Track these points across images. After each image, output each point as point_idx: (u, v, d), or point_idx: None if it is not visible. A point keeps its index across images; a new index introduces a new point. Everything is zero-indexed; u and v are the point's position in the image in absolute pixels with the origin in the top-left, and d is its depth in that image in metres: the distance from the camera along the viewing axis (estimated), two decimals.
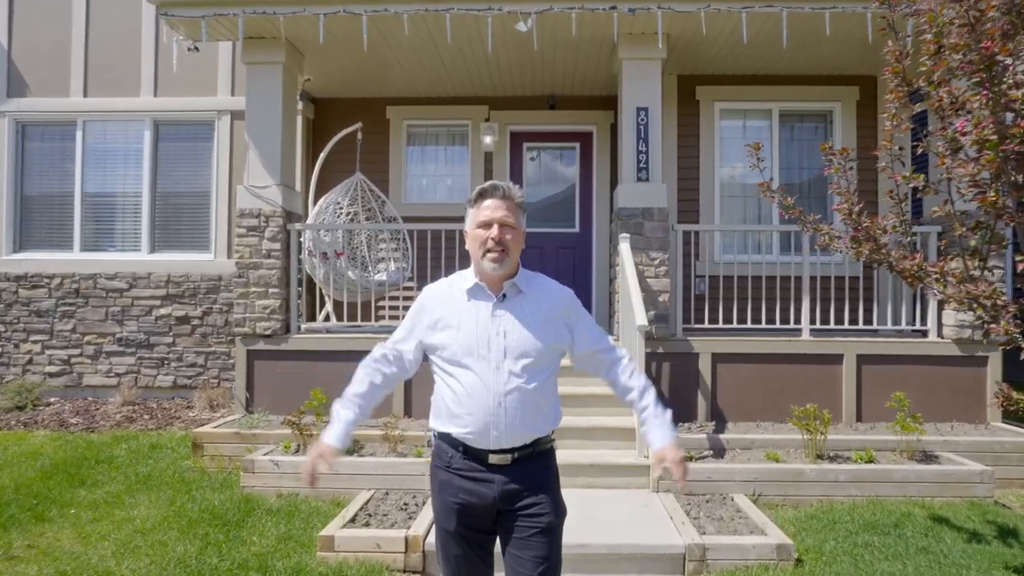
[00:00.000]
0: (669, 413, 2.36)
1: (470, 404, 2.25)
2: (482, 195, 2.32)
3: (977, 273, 3.28)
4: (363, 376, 2.47)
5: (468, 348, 2.27)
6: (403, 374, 2.51)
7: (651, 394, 2.39)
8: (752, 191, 8.19)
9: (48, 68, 8.63)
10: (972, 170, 2.88)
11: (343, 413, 2.43)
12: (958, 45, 2.88)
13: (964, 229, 3.18)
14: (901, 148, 3.51)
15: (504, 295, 2.33)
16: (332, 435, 2.38)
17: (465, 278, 2.38)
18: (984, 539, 4.38)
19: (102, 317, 8.42)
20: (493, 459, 2.28)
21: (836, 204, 3.46)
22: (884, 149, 3.45)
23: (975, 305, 2.98)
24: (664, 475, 2.43)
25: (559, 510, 2.36)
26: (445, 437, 2.34)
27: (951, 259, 3.84)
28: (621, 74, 6.80)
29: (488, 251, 2.27)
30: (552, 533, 2.31)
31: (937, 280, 3.13)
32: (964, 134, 2.90)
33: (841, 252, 3.80)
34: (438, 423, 2.36)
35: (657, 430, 2.34)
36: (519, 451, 2.29)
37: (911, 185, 3.28)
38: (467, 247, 2.36)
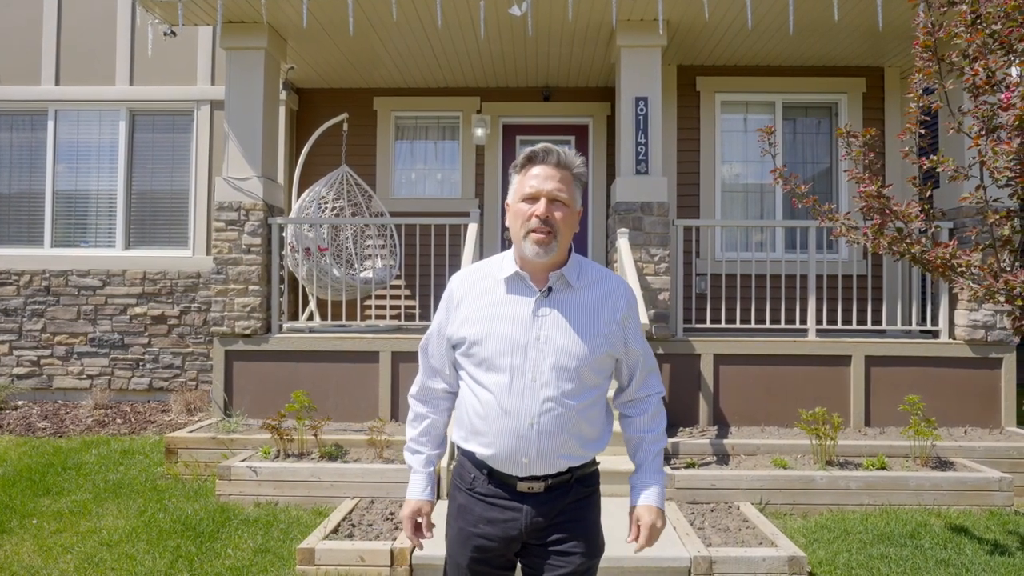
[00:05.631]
0: (664, 475, 2.08)
1: (496, 422, 1.89)
2: (531, 160, 1.92)
3: (1007, 265, 3.09)
4: (416, 408, 2.15)
5: (500, 352, 1.89)
6: (452, 388, 2.13)
7: (663, 443, 2.07)
8: (754, 187, 8.03)
9: (17, 54, 8.35)
10: (1016, 147, 2.67)
11: (412, 460, 2.11)
12: (1007, 4, 2.67)
13: (997, 217, 2.98)
14: (923, 133, 3.32)
15: (550, 288, 1.95)
16: (412, 488, 2.08)
17: (503, 264, 1.99)
18: (1007, 551, 4.19)
19: (74, 316, 8.15)
20: (522, 487, 1.92)
21: (861, 187, 3.26)
22: (908, 132, 3.25)
23: (1016, 299, 2.78)
24: (632, 539, 2.02)
25: (596, 548, 2.00)
26: (468, 455, 2.00)
27: (972, 252, 3.64)
28: (619, 63, 6.62)
29: (531, 231, 1.87)
30: None
31: (965, 274, 2.93)
32: (1007, 108, 2.70)
33: (857, 244, 3.60)
34: (461, 437, 2.01)
35: (653, 484, 2.01)
36: (554, 478, 1.93)
37: (939, 170, 3.09)
38: (507, 223, 1.97)
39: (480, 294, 1.98)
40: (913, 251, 3.33)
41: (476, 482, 1.97)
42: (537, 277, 1.95)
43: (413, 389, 2.16)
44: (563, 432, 1.89)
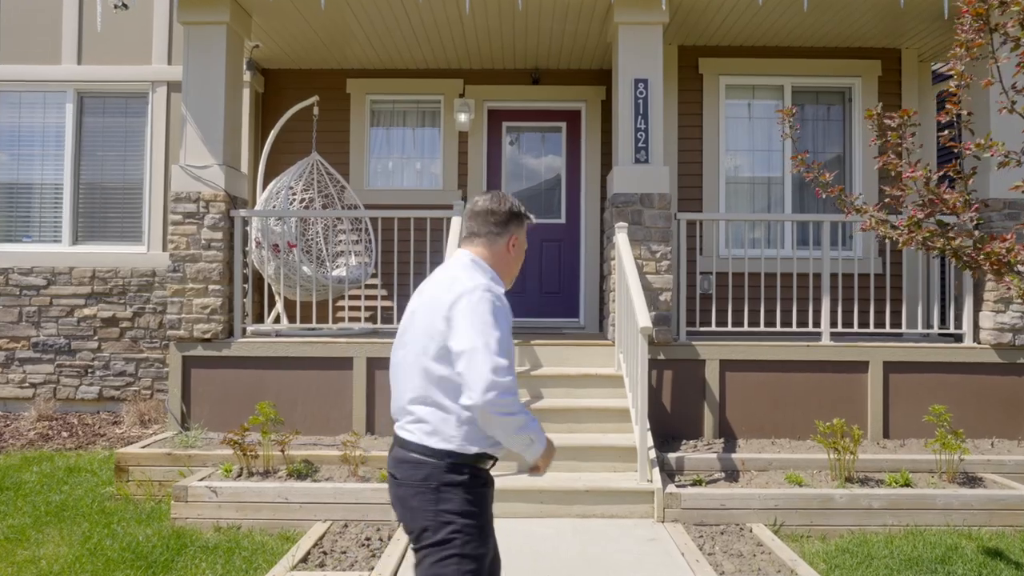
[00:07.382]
0: None
1: None
2: (527, 215, 2.52)
3: None
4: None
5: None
6: None
7: None
8: (760, 178, 7.90)
9: None
10: None
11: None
12: None
13: None
14: (970, 113, 3.13)
15: None
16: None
17: (494, 281, 2.39)
18: None
19: (15, 318, 7.86)
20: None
21: (906, 174, 3.07)
22: (949, 114, 3.06)
23: None
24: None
25: None
26: (480, 459, 2.30)
27: None
28: (617, 42, 6.43)
29: (517, 273, 2.53)
30: None
31: None
32: None
33: (890, 239, 3.41)
34: (488, 443, 2.29)
35: None
36: None
37: (987, 154, 2.89)
38: (511, 253, 2.45)
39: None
40: (953, 246, 3.14)
41: (489, 475, 2.36)
42: None
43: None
44: None
